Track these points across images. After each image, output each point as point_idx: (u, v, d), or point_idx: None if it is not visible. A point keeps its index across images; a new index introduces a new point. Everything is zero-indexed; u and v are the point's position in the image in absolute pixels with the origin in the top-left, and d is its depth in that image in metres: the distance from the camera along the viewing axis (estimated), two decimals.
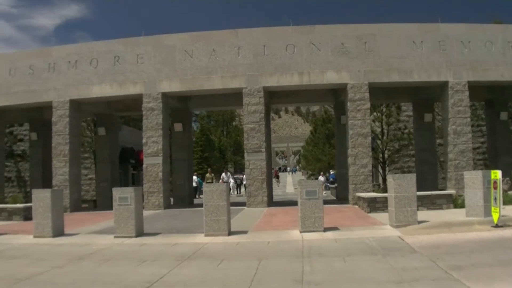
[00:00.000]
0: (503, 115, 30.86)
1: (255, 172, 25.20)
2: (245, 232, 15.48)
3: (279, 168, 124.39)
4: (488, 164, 34.70)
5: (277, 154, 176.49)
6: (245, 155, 25.72)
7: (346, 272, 9.26)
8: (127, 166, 45.32)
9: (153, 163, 26.06)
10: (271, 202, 27.75)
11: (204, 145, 72.95)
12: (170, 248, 13.07)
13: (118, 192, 15.61)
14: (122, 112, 33.64)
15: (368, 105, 25.01)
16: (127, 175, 46.60)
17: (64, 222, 17.48)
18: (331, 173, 51.53)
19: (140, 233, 15.68)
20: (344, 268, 9.65)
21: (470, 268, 9.17)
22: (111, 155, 32.77)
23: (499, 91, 29.41)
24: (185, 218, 20.81)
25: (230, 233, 15.13)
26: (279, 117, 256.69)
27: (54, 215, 16.32)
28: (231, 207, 22.66)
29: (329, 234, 14.21)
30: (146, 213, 23.24)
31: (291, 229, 15.72)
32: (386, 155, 37.73)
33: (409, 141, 37.06)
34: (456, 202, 20.76)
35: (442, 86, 25.67)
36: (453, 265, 9.39)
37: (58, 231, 16.48)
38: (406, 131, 37.69)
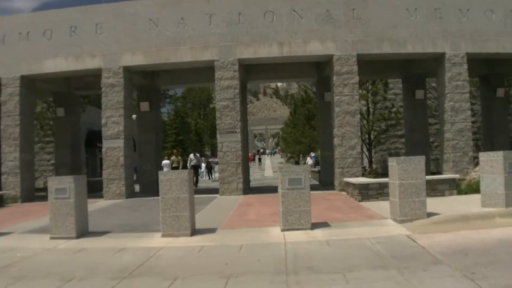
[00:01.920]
0: (500, 92, 28.42)
1: (229, 156, 22.36)
2: (213, 230, 12.48)
3: (258, 151, 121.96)
4: (479, 145, 32.24)
5: (255, 136, 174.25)
6: (218, 136, 22.82)
7: None
8: (94, 151, 42.50)
9: (113, 147, 23.12)
10: (248, 189, 25.00)
11: (179, 128, 70.24)
12: (112, 256, 9.98)
13: (54, 183, 12.44)
14: (83, 91, 30.51)
15: (357, 79, 22.27)
16: (95, 160, 43.82)
17: (4, 216, 14.57)
18: (312, 155, 49.42)
19: (83, 232, 12.64)
20: None
21: None
22: (72, 138, 29.84)
23: (496, 65, 26.96)
24: (146, 210, 17.80)
25: (194, 232, 12.14)
26: (258, 99, 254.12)
27: None
28: (201, 196, 19.81)
29: (318, 233, 11.28)
30: (104, 203, 20.88)
31: (270, 225, 12.80)
32: (372, 136, 34.91)
33: (397, 120, 34.32)
34: (460, 187, 18.10)
35: (438, 59, 23.05)
36: (502, 286, 6.60)
37: None
38: (394, 110, 34.90)
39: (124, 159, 23.05)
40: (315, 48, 22.30)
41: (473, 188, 17.75)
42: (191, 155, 32.89)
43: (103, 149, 23.46)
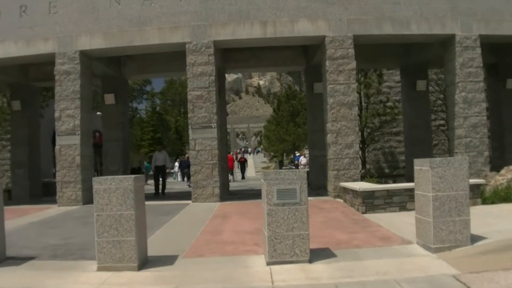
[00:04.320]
0: (510, 83, 25.03)
1: (203, 155, 18.94)
2: (172, 259, 8.89)
3: (241, 149, 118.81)
4: (488, 143, 29.11)
5: (237, 135, 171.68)
6: (190, 132, 19.44)
7: None
8: None
9: (68, 144, 19.81)
10: (226, 194, 21.68)
11: (157, 125, 66.80)
12: None
13: None
14: (42, 82, 26.79)
15: (354, 64, 18.93)
16: None
17: None
18: (297, 154, 47.20)
19: None
20: None
21: None
22: (30, 135, 26.37)
23: (505, 53, 23.57)
24: None
25: (145, 263, 8.62)
26: (240, 98, 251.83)
27: None
28: (170, 202, 17.72)
29: (321, 270, 7.73)
30: (54, 211, 17.75)
31: (251, 251, 9.31)
32: (365, 134, 31.44)
33: (393, 116, 30.97)
34: (483, 195, 14.70)
35: (446, 42, 19.85)
36: None
37: None
38: (389, 104, 31.54)
39: (80, 158, 19.77)
40: (304, 28, 18.97)
41: (501, 196, 14.45)
42: (156, 153, 26.97)
43: (56, 147, 20.22)
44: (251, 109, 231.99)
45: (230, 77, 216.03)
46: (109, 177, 8.47)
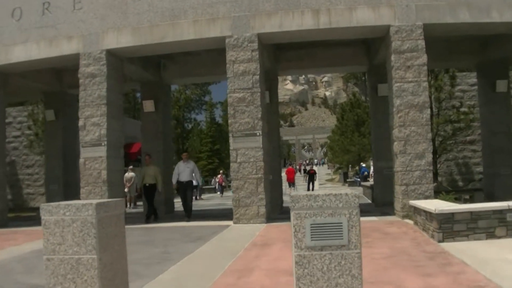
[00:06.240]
0: None
1: (246, 168, 16.33)
2: None
3: (306, 161, 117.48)
4: None
5: (303, 146, 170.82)
6: (230, 141, 16.82)
7: None
8: None
9: (93, 157, 17.64)
10: (275, 212, 19.13)
11: (216, 136, 65.13)
12: None
13: None
14: (77, 89, 24.97)
15: (424, 58, 15.96)
16: None
17: None
18: (363, 166, 44.89)
19: None
20: None
21: None
22: (65, 148, 24.79)
23: None
24: None
25: None
26: (306, 109, 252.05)
27: None
28: (208, 223, 16.19)
29: None
30: None
31: None
32: (437, 142, 28.30)
33: (467, 123, 27.82)
34: None
35: None
36: None
37: None
38: (463, 110, 28.39)
39: (107, 173, 17.50)
40: (364, 17, 16.19)
41: None
42: (180, 164, 20.05)
43: (81, 160, 18.07)
44: (317, 120, 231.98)
45: (296, 88, 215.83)
46: (63, 203, 5.72)
